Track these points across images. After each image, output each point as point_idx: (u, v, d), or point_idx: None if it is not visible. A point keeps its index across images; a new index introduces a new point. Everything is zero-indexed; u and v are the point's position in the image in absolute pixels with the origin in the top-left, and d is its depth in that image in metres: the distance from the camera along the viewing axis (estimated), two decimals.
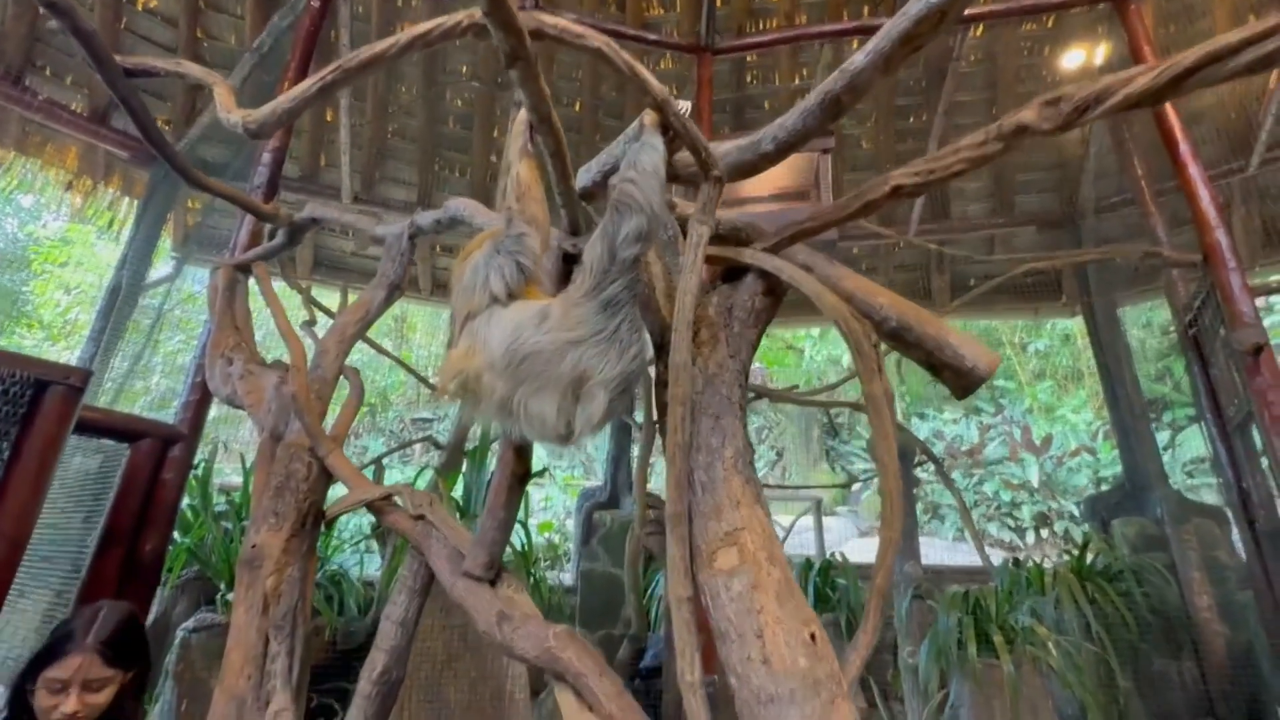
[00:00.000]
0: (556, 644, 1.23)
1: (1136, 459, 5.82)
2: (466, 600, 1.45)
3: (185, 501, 3.71)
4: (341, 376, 2.39)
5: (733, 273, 1.52)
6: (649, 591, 5.11)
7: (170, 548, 3.33)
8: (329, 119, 6.66)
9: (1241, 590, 4.59)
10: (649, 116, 1.49)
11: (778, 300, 1.47)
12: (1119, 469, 10.23)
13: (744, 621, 1.10)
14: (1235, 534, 5.40)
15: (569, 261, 1.70)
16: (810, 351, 12.81)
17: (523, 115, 1.48)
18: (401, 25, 6.45)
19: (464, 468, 4.74)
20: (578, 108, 6.99)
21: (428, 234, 2.57)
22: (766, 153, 1.36)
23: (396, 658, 1.67)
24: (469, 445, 5.12)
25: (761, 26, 6.46)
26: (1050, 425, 10.85)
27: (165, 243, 6.50)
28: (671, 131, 1.33)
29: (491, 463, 4.49)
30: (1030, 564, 5.01)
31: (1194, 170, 3.70)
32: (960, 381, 1.27)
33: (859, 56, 1.21)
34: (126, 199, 6.42)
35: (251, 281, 3.16)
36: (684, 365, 1.25)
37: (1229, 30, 0.77)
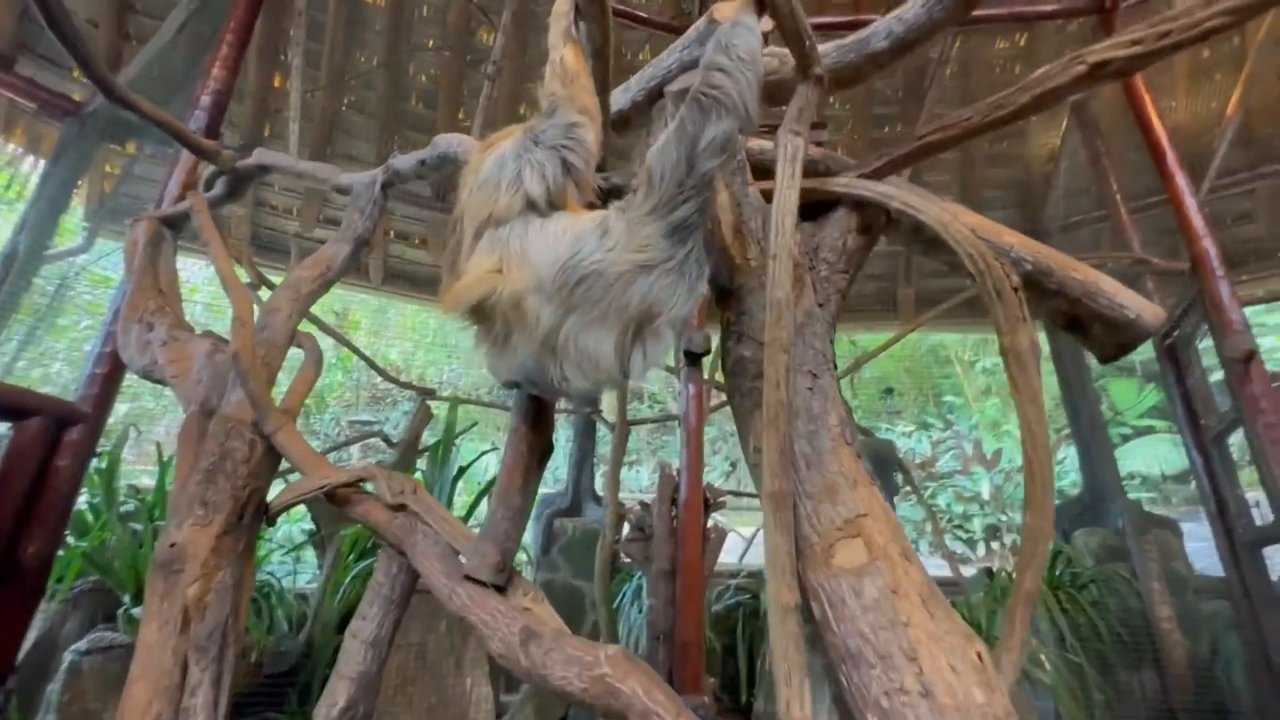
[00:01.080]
0: (613, 671, 0.90)
1: (1095, 471, 5.92)
2: (472, 613, 1.10)
3: (84, 498, 3.13)
4: (295, 344, 1.98)
5: (814, 210, 1.25)
6: (618, 603, 4.76)
7: (62, 552, 2.77)
8: (277, 85, 6.08)
9: (1205, 601, 4.66)
10: (724, 8, 1.21)
11: (872, 240, 1.21)
12: (1064, 483, 10.63)
13: (886, 638, 0.81)
14: (1189, 545, 5.54)
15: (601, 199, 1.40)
16: None
17: None
18: None
19: (425, 467, 4.28)
20: None
21: (407, 180, 2.21)
22: (877, 52, 1.11)
23: (364, 687, 1.29)
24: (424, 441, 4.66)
25: None
26: (997, 440, 11.17)
27: (76, 216, 5.75)
28: (768, 11, 1.05)
29: (456, 459, 4.07)
30: (1003, 574, 4.95)
31: (1181, 180, 3.73)
32: (1115, 337, 1.04)
33: None
34: (31, 157, 5.64)
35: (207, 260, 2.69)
36: (785, 301, 0.96)
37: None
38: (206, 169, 2.76)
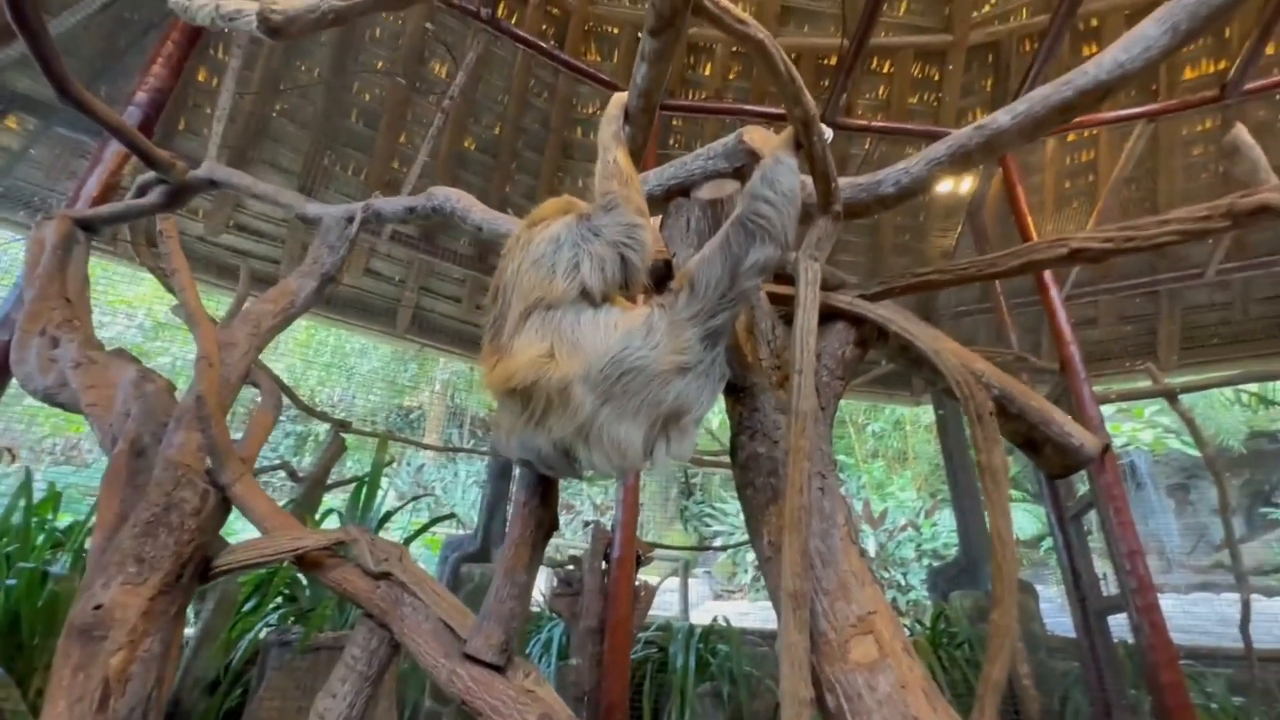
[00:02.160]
0: None
1: (971, 537, 6.54)
2: (478, 698, 1.08)
3: None
4: (249, 382, 1.85)
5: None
6: (527, 653, 4.60)
7: None
8: (201, 78, 5.68)
9: (1058, 660, 5.23)
10: (754, 133, 1.35)
11: (865, 352, 1.36)
12: (939, 544, 11.63)
13: None
14: (1043, 607, 6.23)
15: None
16: None
17: (619, 97, 1.27)
18: None
19: (344, 508, 3.96)
20: (498, 131, 6.70)
21: (386, 222, 2.17)
22: (885, 195, 1.28)
23: None
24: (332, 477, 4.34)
25: (691, 96, 6.76)
26: (882, 501, 12.06)
27: None
28: (802, 153, 1.19)
29: (384, 501, 3.82)
30: None
31: (1054, 293, 4.38)
32: (1063, 460, 1.24)
33: (1003, 116, 1.19)
34: None
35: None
36: (811, 413, 1.07)
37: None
38: (141, 172, 2.55)
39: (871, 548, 10.77)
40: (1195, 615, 7.63)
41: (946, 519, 11.07)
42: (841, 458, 13.85)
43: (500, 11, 5.52)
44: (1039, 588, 7.12)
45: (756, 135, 1.34)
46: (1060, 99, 1.11)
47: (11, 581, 2.62)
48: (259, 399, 2.11)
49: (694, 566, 11.69)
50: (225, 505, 1.55)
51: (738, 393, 1.30)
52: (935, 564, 8.91)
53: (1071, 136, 6.18)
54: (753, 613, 9.23)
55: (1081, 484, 4.57)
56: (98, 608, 1.37)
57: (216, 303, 7.41)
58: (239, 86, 5.25)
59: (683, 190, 1.48)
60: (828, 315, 1.36)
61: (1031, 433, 1.25)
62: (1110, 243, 1.03)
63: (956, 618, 5.60)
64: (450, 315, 7.30)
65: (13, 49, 4.67)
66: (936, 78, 6.52)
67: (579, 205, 1.23)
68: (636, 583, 3.57)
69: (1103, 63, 1.09)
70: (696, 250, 1.45)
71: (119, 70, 4.50)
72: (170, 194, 2.47)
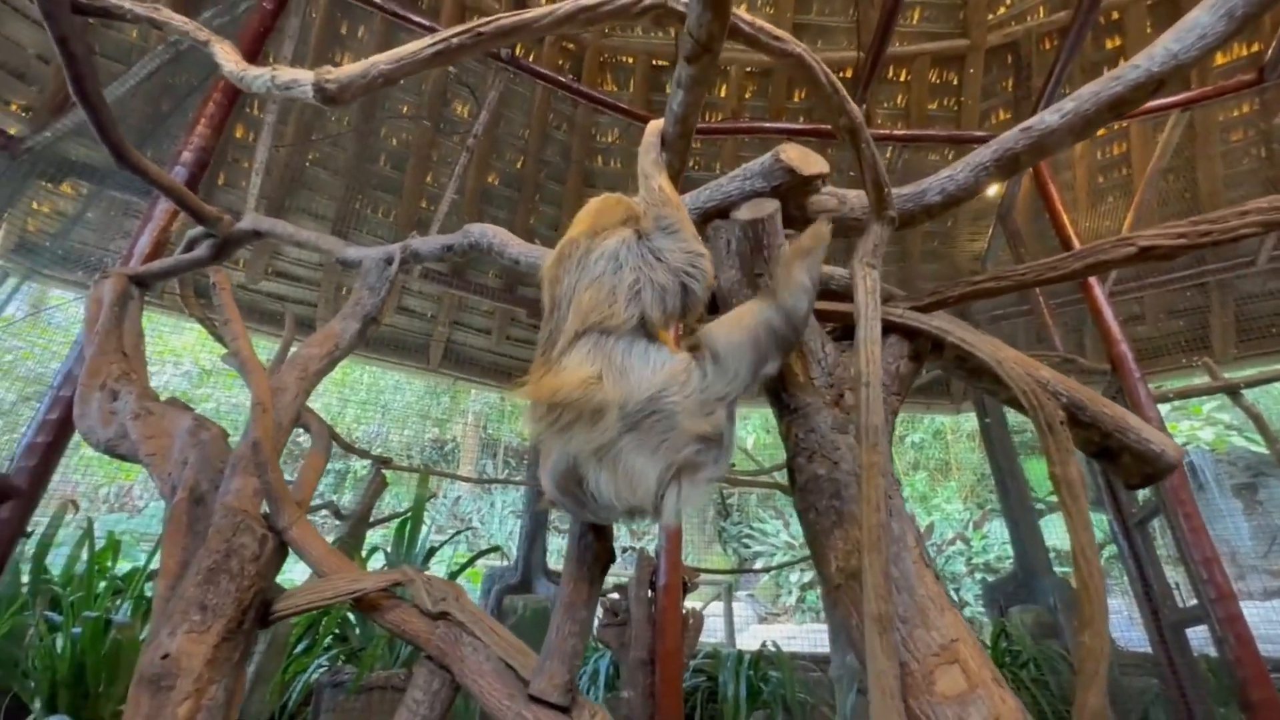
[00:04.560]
0: None
1: (1026, 549, 6.28)
2: None
3: None
4: (299, 425, 1.89)
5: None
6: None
7: None
8: (239, 135, 5.95)
9: (1133, 677, 4.93)
10: (791, 150, 1.34)
11: (920, 366, 1.32)
12: (990, 556, 11.18)
13: None
14: (1110, 619, 5.91)
15: None
16: None
17: (655, 125, 1.27)
18: (340, 57, 6.06)
19: (389, 545, 3.98)
20: (520, 165, 6.85)
21: (424, 261, 2.21)
22: (931, 204, 1.26)
23: None
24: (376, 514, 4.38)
25: (707, 118, 6.81)
26: (926, 514, 11.69)
27: None
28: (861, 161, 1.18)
29: (428, 536, 3.84)
30: None
31: (1099, 290, 4.24)
32: (1143, 468, 1.17)
33: (1051, 116, 1.15)
34: None
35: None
36: (881, 428, 1.04)
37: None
38: (187, 227, 2.66)
39: None
40: (1277, 624, 7.13)
41: (996, 529, 10.67)
42: None
43: (518, 50, 5.69)
44: None
45: (794, 152, 1.32)
46: (1111, 94, 1.08)
47: (77, 630, 2.69)
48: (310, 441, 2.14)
49: (736, 590, 11.44)
50: (282, 549, 1.56)
51: (791, 413, 1.27)
52: (989, 578, 8.55)
53: (1101, 131, 6.05)
54: (799, 636, 8.94)
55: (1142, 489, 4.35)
56: (165, 657, 1.38)
57: (258, 347, 7.68)
58: (274, 140, 5.48)
59: (720, 213, 1.47)
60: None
61: (1106, 441, 1.19)
62: (1184, 239, 0.98)
63: (1018, 635, 5.34)
64: (481, 348, 7.41)
65: (67, 120, 4.98)
66: (955, 82, 6.47)
67: (634, 210, 1.21)
68: (685, 609, 3.49)
69: (1154, 54, 1.06)
70: (738, 272, 1.44)
71: (163, 133, 4.73)
72: (217, 247, 2.56)
